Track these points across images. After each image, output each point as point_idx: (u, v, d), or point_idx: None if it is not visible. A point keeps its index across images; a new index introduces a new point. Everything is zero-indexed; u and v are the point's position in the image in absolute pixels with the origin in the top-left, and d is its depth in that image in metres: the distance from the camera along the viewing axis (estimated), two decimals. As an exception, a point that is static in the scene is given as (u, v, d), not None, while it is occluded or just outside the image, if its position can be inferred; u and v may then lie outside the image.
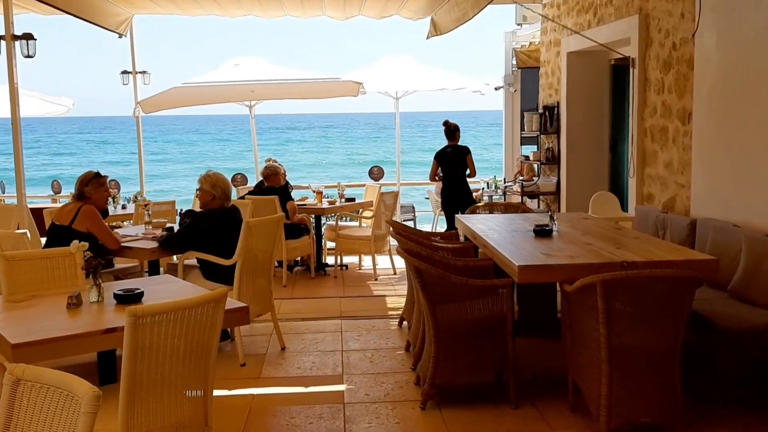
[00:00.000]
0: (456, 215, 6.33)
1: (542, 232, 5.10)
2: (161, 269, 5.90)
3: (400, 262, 8.86)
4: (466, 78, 11.20)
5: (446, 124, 8.68)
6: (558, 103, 9.10)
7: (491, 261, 4.85)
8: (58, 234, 5.04)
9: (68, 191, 14.32)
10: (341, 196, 9.12)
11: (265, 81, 9.34)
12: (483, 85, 11.09)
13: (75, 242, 3.45)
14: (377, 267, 8.58)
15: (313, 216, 8.98)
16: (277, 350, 5.56)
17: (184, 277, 5.29)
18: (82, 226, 5.01)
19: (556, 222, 5.29)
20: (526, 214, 6.59)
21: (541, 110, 9.63)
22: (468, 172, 8.55)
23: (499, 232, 5.33)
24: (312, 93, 9.67)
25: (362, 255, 9.06)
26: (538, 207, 10.05)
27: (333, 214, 9.04)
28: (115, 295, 3.44)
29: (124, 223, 8.93)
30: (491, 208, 6.93)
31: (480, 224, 5.71)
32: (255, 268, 5.26)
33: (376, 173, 12.59)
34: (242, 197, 8.43)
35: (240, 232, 5.05)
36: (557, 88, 9.23)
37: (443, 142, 8.72)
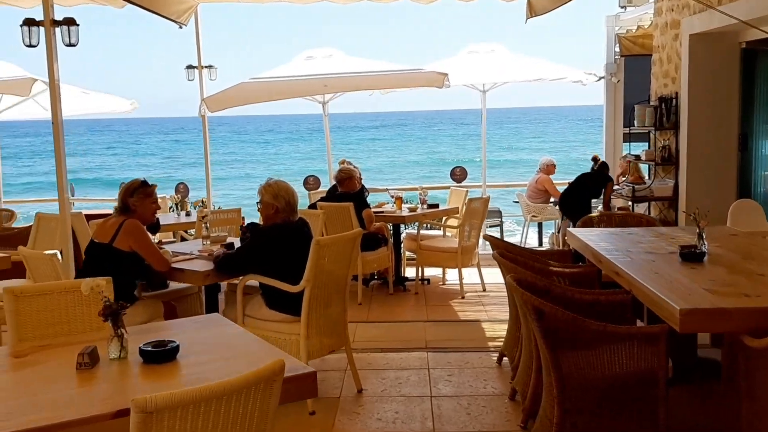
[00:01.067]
0: (569, 229, 5.25)
1: (691, 256, 3.97)
2: (222, 289, 5.06)
3: (490, 277, 7.82)
4: (564, 67, 10.00)
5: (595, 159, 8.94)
6: (676, 94, 7.83)
7: (628, 295, 3.76)
8: (96, 254, 4.24)
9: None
10: (423, 201, 8.13)
11: (339, 74, 8.44)
12: (585, 74, 9.87)
13: (86, 281, 2.59)
14: (464, 282, 7.55)
15: (391, 224, 8.03)
16: (352, 393, 4.62)
17: (244, 305, 4.41)
18: (125, 244, 4.19)
19: (705, 241, 4.15)
20: (652, 228, 5.44)
21: (654, 102, 8.38)
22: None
23: (631, 254, 4.23)
24: (391, 84, 8.70)
25: (446, 268, 8.04)
26: (648, 213, 8.80)
27: (414, 223, 8.06)
28: (142, 352, 2.55)
29: (189, 232, 8.20)
30: (607, 219, 5.79)
31: (602, 242, 4.61)
32: (327, 294, 4.34)
33: (458, 174, 11.54)
34: (313, 205, 7.56)
35: (309, 252, 4.13)
36: (675, 76, 7.97)
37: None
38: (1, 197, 10.31)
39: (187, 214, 7.86)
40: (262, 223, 4.52)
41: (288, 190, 4.42)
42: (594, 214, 5.81)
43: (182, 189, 10.67)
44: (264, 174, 37.71)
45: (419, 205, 8.09)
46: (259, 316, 4.35)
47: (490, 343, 5.66)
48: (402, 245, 8.24)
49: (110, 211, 10.82)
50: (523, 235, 10.58)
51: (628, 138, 9.25)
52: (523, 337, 4.22)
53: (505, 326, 6.03)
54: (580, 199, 8.76)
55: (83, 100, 10.19)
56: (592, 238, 4.80)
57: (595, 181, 8.88)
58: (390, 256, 7.62)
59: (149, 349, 2.55)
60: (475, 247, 7.69)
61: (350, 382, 4.70)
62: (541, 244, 11.44)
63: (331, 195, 7.59)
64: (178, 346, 2.58)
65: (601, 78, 10.77)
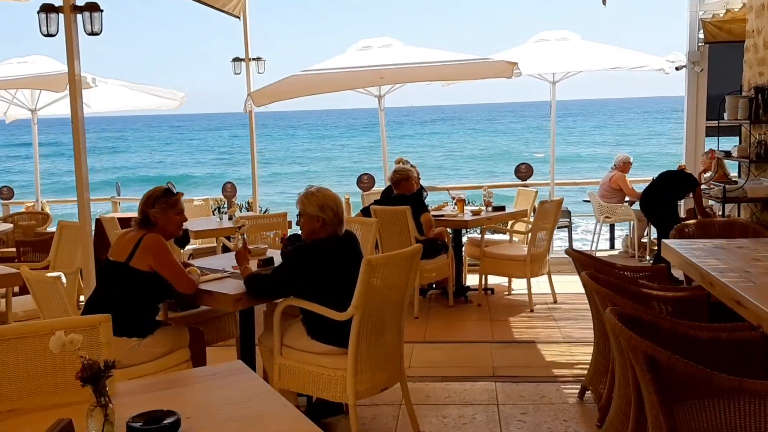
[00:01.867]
0: (664, 241, 4.45)
1: (836, 284, 3.15)
2: (260, 309, 4.45)
3: (561, 287, 7.05)
4: (644, 55, 9.08)
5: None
6: (777, 82, 6.90)
7: (756, 332, 2.98)
8: (110, 274, 3.67)
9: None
10: (488, 203, 7.39)
11: (397, 65, 7.75)
12: (668, 62, 8.93)
13: (59, 334, 1.97)
14: (533, 292, 6.79)
15: (452, 229, 7.32)
16: (409, 434, 3.95)
17: (282, 332, 3.78)
18: (143, 263, 3.60)
19: None
20: (761, 239, 4.59)
21: (748, 92, 7.43)
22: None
23: (750, 276, 3.43)
24: (455, 75, 7.95)
25: (513, 278, 7.28)
26: (738, 216, 7.86)
27: (477, 227, 7.33)
28: (131, 429, 1.92)
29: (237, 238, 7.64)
30: (706, 227, 4.95)
31: (710, 258, 3.82)
32: (380, 321, 3.67)
33: (524, 171, 10.73)
34: (367, 208, 6.91)
35: (358, 273, 3.47)
36: (775, 62, 7.03)
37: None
38: (38, 197, 9.97)
39: (230, 218, 7.30)
40: (302, 239, 3.88)
41: (335, 199, 3.77)
42: (690, 221, 4.97)
43: (229, 189, 10.16)
44: (316, 175, 36.99)
45: (483, 208, 7.35)
46: (300, 347, 3.72)
47: (568, 371, 4.90)
48: (463, 251, 7.52)
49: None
50: (595, 237, 9.71)
51: (716, 132, 8.31)
52: (617, 375, 3.46)
53: (584, 349, 5.30)
54: (662, 197, 7.89)
55: (128, 95, 9.80)
56: (695, 253, 4.00)
57: (680, 179, 7.99)
58: (450, 264, 6.92)
59: (139, 426, 1.92)
60: (546, 255, 6.92)
61: (406, 420, 4.02)
62: (612, 246, 10.55)
63: (386, 197, 6.93)
64: (178, 421, 1.94)
65: (682, 67, 9.79)
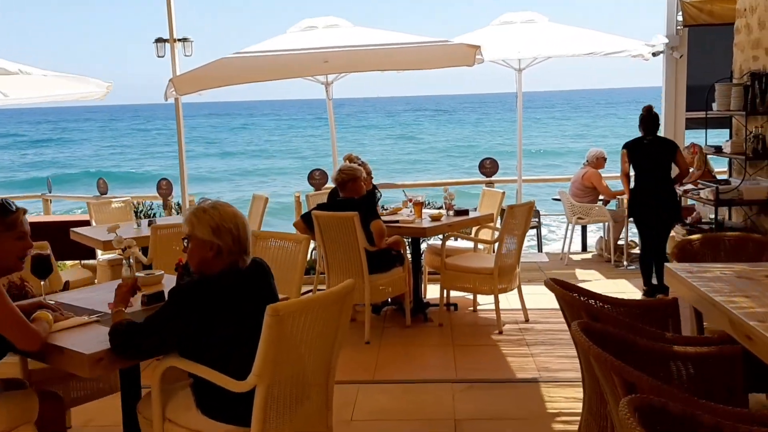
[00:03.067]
0: (666, 265, 3.52)
1: None
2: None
3: (533, 301, 6.15)
4: (621, 39, 8.17)
5: (648, 109, 6.59)
6: (777, 68, 6.06)
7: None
8: None
9: (118, 192, 12.24)
10: (449, 207, 6.42)
11: (344, 47, 6.71)
12: (647, 47, 8.04)
13: None
14: (501, 308, 5.86)
15: (409, 237, 6.35)
16: None
17: (164, 403, 2.74)
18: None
19: None
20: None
21: (740, 79, 6.58)
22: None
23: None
24: (410, 63, 6.94)
25: (479, 294, 6.32)
26: (729, 219, 7.02)
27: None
28: None
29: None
30: (714, 243, 4.02)
31: (738, 296, 2.89)
32: (297, 387, 2.67)
33: (488, 167, 9.80)
34: (307, 215, 5.88)
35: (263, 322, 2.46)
36: (772, 46, 6.19)
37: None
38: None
39: (143, 225, 6.21)
40: (192, 273, 2.83)
41: (236, 218, 2.74)
42: (694, 236, 4.04)
43: (165, 186, 9.03)
44: (253, 172, 34.90)
45: (444, 212, 6.38)
46: (186, 424, 2.68)
47: (551, 423, 3.95)
48: (422, 261, 6.55)
49: (85, 216, 9.23)
50: (565, 242, 8.83)
51: (704, 124, 7.46)
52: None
53: (566, 392, 4.38)
54: (660, 184, 6.51)
55: (51, 83, 8.61)
56: (714, 285, 3.07)
57: (664, 147, 6.58)
58: (407, 277, 5.95)
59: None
60: (516, 266, 5.98)
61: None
62: (585, 248, 9.67)
63: (332, 201, 5.91)
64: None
65: (659, 53, 8.93)
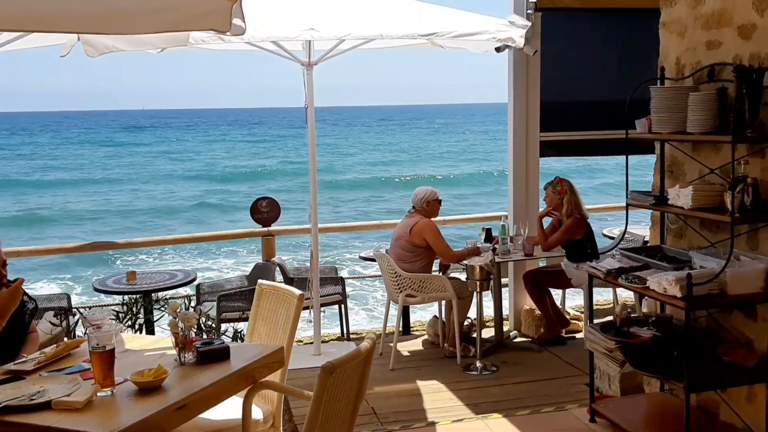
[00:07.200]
0: None
1: None
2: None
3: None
4: (475, 16, 5.13)
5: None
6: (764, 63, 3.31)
7: None
8: None
9: None
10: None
11: None
12: (515, 29, 5.07)
13: None
14: None
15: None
16: None
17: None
18: None
19: None
20: None
21: (684, 80, 3.81)
22: None
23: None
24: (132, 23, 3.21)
25: None
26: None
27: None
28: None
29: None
30: None
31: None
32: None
33: (265, 211, 6.39)
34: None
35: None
36: (746, 23, 3.45)
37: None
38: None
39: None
40: None
41: None
42: None
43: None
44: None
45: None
46: None
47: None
48: None
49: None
50: (386, 321, 5.65)
51: (625, 152, 4.66)
52: None
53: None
54: None
55: None
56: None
57: None
58: None
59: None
60: None
61: None
62: (408, 331, 6.46)
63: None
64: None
65: (505, 48, 6.06)
